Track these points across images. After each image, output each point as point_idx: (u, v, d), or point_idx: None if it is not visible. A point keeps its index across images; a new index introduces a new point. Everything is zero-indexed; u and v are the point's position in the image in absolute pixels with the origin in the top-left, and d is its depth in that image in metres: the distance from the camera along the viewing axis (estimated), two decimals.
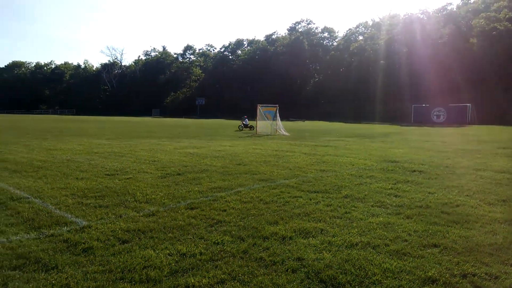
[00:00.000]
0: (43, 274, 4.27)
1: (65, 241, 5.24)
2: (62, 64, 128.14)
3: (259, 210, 6.84)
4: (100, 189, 8.32)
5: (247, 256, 4.84)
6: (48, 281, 4.14)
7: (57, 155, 13.77)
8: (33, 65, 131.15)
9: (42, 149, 15.49)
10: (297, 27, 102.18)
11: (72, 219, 6.19)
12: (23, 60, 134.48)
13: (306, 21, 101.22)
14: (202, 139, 21.88)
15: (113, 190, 8.19)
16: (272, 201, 7.48)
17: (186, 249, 4.98)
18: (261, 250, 5.02)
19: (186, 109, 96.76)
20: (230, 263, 4.62)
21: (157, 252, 4.91)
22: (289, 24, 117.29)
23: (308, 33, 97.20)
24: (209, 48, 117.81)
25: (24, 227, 5.80)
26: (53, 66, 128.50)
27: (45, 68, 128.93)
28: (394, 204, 7.37)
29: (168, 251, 4.93)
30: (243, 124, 33.92)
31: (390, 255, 4.92)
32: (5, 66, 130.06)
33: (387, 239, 5.47)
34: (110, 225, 5.93)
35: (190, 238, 5.41)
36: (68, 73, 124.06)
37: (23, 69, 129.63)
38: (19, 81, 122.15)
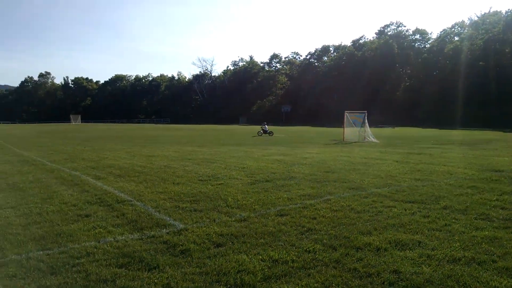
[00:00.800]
0: (146, 273, 4.57)
1: (165, 243, 5.56)
2: (158, 76, 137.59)
3: (350, 219, 6.66)
4: (195, 194, 8.72)
5: (340, 266, 4.73)
6: (151, 280, 4.41)
7: (155, 161, 14.75)
8: (132, 78, 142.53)
9: (142, 156, 16.70)
10: (386, 30, 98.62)
11: (171, 222, 6.55)
12: (124, 73, 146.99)
13: (396, 23, 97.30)
14: (288, 146, 21.98)
15: (207, 195, 8.54)
16: (364, 210, 7.24)
17: (278, 256, 5.01)
18: (355, 261, 4.86)
19: (272, 116, 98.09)
20: (323, 272, 4.54)
21: (250, 257, 5.00)
22: (377, 28, 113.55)
23: (398, 36, 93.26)
24: (294, 55, 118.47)
25: (128, 228, 6.27)
26: (150, 78, 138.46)
27: (143, 80, 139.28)
28: (501, 217, 6.71)
29: (260, 257, 5.00)
30: (262, 130, 35.34)
31: (499, 273, 4.48)
32: (109, 79, 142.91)
33: (495, 255, 5.00)
34: (205, 228, 6.17)
35: (281, 245, 5.43)
36: (163, 84, 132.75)
37: (124, 82, 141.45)
38: (121, 93, 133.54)
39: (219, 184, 9.91)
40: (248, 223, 6.43)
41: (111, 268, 4.71)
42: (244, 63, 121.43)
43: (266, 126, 36.07)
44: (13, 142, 26.14)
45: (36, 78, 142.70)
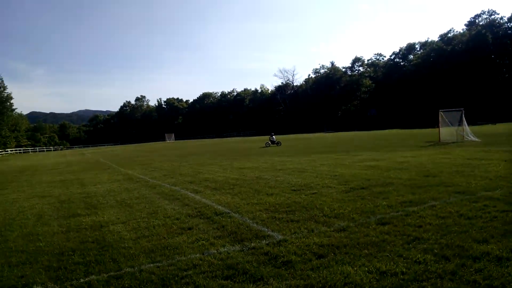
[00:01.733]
0: (251, 285, 4.59)
1: (265, 254, 5.57)
2: (242, 90, 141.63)
3: (461, 226, 6.12)
4: (289, 204, 8.68)
5: (457, 278, 4.33)
6: None
7: (247, 173, 15.04)
8: (218, 94, 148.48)
9: (234, 169, 17.15)
10: (477, 20, 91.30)
11: (269, 233, 6.57)
12: (210, 91, 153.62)
13: (488, 12, 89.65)
14: (380, 151, 21.11)
15: (301, 205, 8.45)
16: (476, 216, 6.62)
17: (385, 267, 4.74)
18: (473, 272, 4.43)
19: (358, 121, 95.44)
20: (439, 285, 4.20)
21: (355, 269, 4.79)
22: (466, 19, 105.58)
23: (492, 25, 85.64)
24: (378, 57, 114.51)
25: (229, 240, 6.40)
26: (234, 93, 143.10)
27: (229, 96, 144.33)
28: None
29: (366, 268, 4.77)
30: (270, 140, 36.28)
31: None
32: (197, 97, 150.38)
33: None
34: (304, 239, 6.08)
35: (387, 256, 5.14)
36: (247, 98, 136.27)
37: (211, 98, 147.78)
38: (208, 109, 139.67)
39: (313, 193, 9.77)
40: (348, 233, 6.21)
41: (218, 280, 4.81)
42: (326, 69, 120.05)
43: (274, 136, 37.46)
44: (118, 162, 28.44)
45: (133, 102, 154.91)
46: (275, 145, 35.31)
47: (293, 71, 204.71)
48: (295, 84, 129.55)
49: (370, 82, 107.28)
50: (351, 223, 6.78)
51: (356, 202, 8.35)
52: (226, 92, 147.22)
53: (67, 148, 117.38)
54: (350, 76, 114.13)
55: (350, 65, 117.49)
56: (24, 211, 10.36)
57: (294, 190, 10.38)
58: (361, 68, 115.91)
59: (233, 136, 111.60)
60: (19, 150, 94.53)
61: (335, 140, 39.89)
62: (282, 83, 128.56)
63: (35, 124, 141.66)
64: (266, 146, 34.72)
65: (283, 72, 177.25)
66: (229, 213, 8.27)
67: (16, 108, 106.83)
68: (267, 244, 5.98)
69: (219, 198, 10.06)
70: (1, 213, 10.38)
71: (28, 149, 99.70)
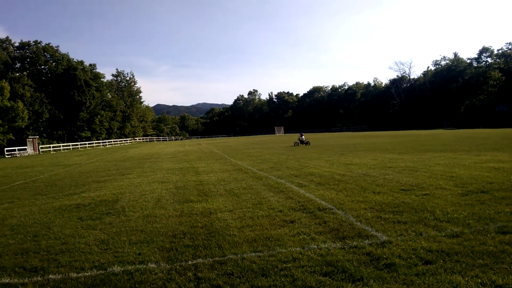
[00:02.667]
0: (350, 285, 4.49)
1: (367, 254, 5.39)
2: (354, 84, 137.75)
3: None
4: (397, 204, 8.26)
5: None
6: None
7: (354, 169, 14.66)
8: (329, 88, 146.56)
9: (340, 164, 16.85)
10: None
11: (373, 233, 6.34)
12: (321, 85, 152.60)
13: None
14: (508, 152, 18.89)
15: (411, 206, 7.99)
16: None
17: (502, 281, 4.27)
18: None
19: (484, 118, 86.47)
20: None
21: (466, 279, 4.40)
22: None
23: None
24: (510, 47, 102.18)
25: (330, 236, 6.33)
26: (346, 87, 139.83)
27: (339, 89, 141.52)
28: None
29: (479, 280, 4.35)
30: (299, 140, 36.62)
31: None
32: (307, 91, 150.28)
33: None
34: (410, 242, 5.75)
35: (505, 268, 4.62)
36: (359, 92, 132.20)
37: (321, 92, 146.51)
38: (318, 103, 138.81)
39: (424, 194, 9.15)
40: (462, 240, 5.71)
41: (316, 275, 4.80)
42: (447, 61, 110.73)
43: (303, 136, 38.04)
44: (230, 153, 29.87)
45: (246, 95, 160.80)
46: (304, 144, 35.58)
47: (410, 64, 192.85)
48: (411, 77, 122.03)
49: (500, 74, 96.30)
50: (466, 229, 6.22)
51: (474, 207, 7.62)
52: (337, 85, 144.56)
53: (186, 138, 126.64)
54: (476, 68, 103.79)
55: (476, 56, 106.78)
56: (146, 195, 11.47)
57: (404, 190, 9.84)
58: (489, 59, 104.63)
59: (342, 131, 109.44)
60: (145, 138, 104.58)
61: (455, 137, 36.72)
62: (397, 76, 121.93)
63: (160, 116, 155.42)
64: (295, 146, 35.03)
65: (398, 65, 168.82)
66: (332, 209, 8.17)
67: (144, 101, 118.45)
68: (370, 244, 5.78)
69: (323, 193, 9.99)
70: (127, 195, 11.63)
71: (153, 138, 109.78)
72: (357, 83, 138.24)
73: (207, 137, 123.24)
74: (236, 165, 19.18)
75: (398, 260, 5.09)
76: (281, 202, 9.20)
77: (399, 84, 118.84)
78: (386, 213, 7.54)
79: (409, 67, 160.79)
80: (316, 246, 5.86)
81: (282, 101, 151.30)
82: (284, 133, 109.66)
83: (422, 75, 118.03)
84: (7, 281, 5.15)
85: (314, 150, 27.46)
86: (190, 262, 5.48)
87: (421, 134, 52.09)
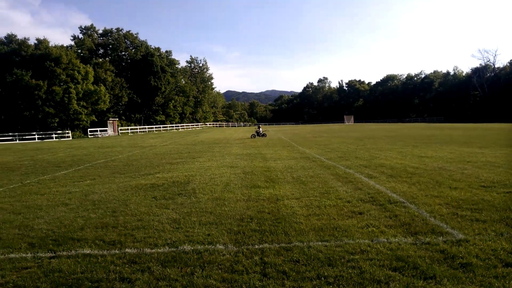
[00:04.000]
0: (421, 282, 4.29)
1: (441, 252, 5.12)
2: (431, 73, 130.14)
3: None
4: (476, 201, 7.74)
5: None
6: None
7: (428, 162, 13.95)
8: (404, 76, 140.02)
9: (414, 156, 16.11)
10: None
11: (448, 230, 6.00)
12: (395, 73, 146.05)
13: None
14: None
15: (491, 204, 7.44)
16: None
17: None
18: None
19: None
20: None
21: None
22: None
23: None
24: None
25: (401, 231, 6.09)
26: (422, 75, 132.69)
27: (415, 78, 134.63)
28: None
29: None
30: (256, 132, 35.17)
31: None
32: (380, 80, 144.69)
33: None
34: (490, 242, 5.37)
35: None
36: (436, 81, 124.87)
37: (395, 81, 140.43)
38: (392, 92, 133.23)
39: (507, 192, 8.48)
40: None
41: (385, 269, 4.65)
42: None
43: (261, 128, 36.79)
44: (297, 141, 29.77)
45: (315, 83, 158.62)
46: (260, 136, 34.45)
47: (495, 51, 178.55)
48: (496, 66, 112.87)
49: None
50: None
51: None
52: (413, 74, 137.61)
53: (254, 124, 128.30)
54: None
55: None
56: (215, 178, 11.79)
57: (484, 187, 9.19)
58: None
59: (417, 122, 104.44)
60: (215, 124, 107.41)
61: None
62: (480, 64, 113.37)
63: (230, 102, 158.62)
64: (252, 138, 33.79)
65: (482, 52, 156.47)
66: (404, 202, 7.85)
67: (215, 87, 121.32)
68: (444, 242, 5.48)
69: (394, 186, 9.62)
70: (198, 177, 12.04)
71: (223, 124, 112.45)
72: (435, 72, 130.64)
73: (275, 124, 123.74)
74: (303, 153, 19.08)
75: (475, 260, 4.78)
76: (349, 193, 9.01)
77: (482, 73, 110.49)
78: (463, 210, 7.10)
79: (494, 55, 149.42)
80: (385, 240, 5.68)
81: (353, 89, 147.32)
82: (354, 122, 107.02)
83: (508, 64, 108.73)
84: (88, 252, 5.56)
85: (385, 141, 26.50)
86: (256, 246, 5.56)
87: (505, 128, 48.21)
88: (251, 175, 12.28)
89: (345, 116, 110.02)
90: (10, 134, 49.30)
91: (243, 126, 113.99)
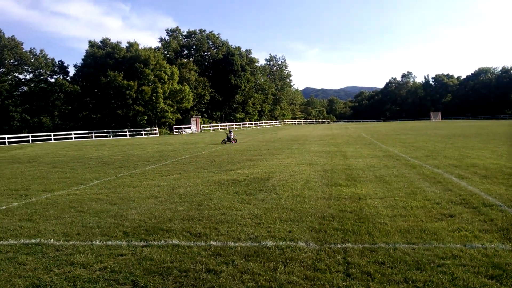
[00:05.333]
0: None
1: None
2: None
3: None
4: None
5: None
6: None
7: None
8: (498, 69, 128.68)
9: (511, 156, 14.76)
10: None
11: None
12: (488, 66, 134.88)
13: None
14: None
15: None
16: None
17: None
18: None
19: None
20: None
21: None
22: None
23: None
24: None
25: (498, 236, 5.62)
26: None
27: None
28: None
29: None
30: (227, 137, 30.16)
31: None
32: (471, 73, 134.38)
33: None
34: None
35: None
36: None
37: (488, 74, 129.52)
38: (484, 87, 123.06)
39: None
40: None
41: (480, 277, 4.33)
42: None
43: (232, 133, 30.96)
44: (379, 138, 28.73)
45: (399, 78, 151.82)
46: (231, 142, 29.73)
47: None
48: None
49: None
50: None
51: None
52: (509, 66, 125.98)
53: (333, 122, 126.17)
54: None
55: None
56: (295, 175, 11.79)
57: None
58: None
59: None
60: (293, 121, 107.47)
61: None
62: None
63: (308, 99, 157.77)
64: (223, 143, 29.24)
65: None
66: (501, 206, 7.23)
67: (293, 84, 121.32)
68: None
69: (489, 188, 8.89)
70: (277, 174, 12.13)
71: (301, 121, 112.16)
72: None
73: (355, 121, 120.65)
74: (386, 151, 18.37)
75: None
76: (438, 194, 8.50)
77: None
78: None
79: None
80: (480, 245, 5.27)
81: (440, 84, 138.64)
82: (441, 119, 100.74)
83: None
84: (176, 242, 5.86)
85: (477, 139, 24.59)
86: (339, 246, 5.47)
87: None
88: (331, 173, 12.09)
89: (431, 113, 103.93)
90: (105, 131, 53.53)
91: (322, 123, 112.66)
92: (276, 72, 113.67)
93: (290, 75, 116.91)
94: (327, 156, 16.93)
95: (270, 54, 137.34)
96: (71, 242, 6.03)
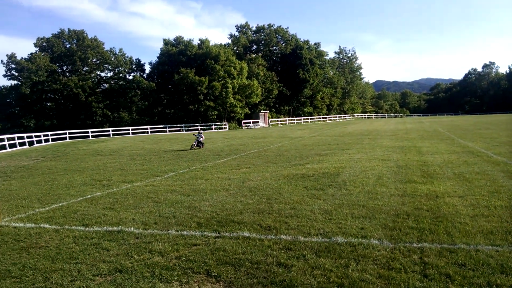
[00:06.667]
0: None
1: None
2: None
3: None
4: None
5: None
6: None
7: None
8: None
9: None
10: None
11: None
12: None
13: None
14: None
15: None
16: None
17: None
18: None
19: None
20: None
21: None
22: None
23: None
24: None
25: None
26: None
27: None
28: None
29: None
30: (197, 140, 22.74)
31: None
32: None
33: None
34: None
35: None
36: None
37: None
38: None
39: None
40: None
41: None
42: None
43: (202, 134, 23.11)
44: (457, 133, 27.04)
45: (479, 69, 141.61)
46: (199, 147, 22.53)
47: None
48: None
49: None
50: None
51: None
52: None
53: (406, 116, 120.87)
54: None
55: None
56: (366, 171, 11.48)
57: None
58: None
59: None
60: (363, 115, 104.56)
61: None
62: None
63: (379, 92, 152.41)
64: (191, 149, 22.11)
65: None
66: None
67: (364, 77, 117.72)
68: None
69: None
70: (347, 169, 11.88)
71: (371, 115, 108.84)
72: None
73: (430, 115, 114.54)
74: (465, 147, 17.25)
75: None
76: None
77: None
78: None
79: None
80: None
81: None
82: None
83: None
84: (247, 234, 5.97)
85: None
86: (415, 245, 5.24)
87: None
88: (405, 169, 11.61)
89: None
90: (178, 125, 55.78)
91: (394, 117, 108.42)
92: (346, 65, 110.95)
93: (360, 68, 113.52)
94: (401, 152, 16.27)
95: (339, 46, 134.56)
96: (149, 231, 6.37)
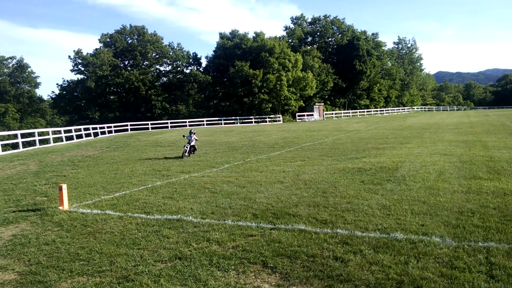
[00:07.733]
0: None
1: None
2: None
3: None
4: None
5: None
6: None
7: None
8: None
9: None
10: None
11: None
12: None
13: None
14: None
15: None
16: None
17: None
18: None
19: None
20: None
21: None
22: None
23: None
24: None
25: None
26: None
27: None
28: None
29: None
30: (189, 143, 16.52)
31: None
32: None
33: None
34: None
35: None
36: None
37: None
38: None
39: None
40: None
41: None
42: None
43: (193, 136, 16.69)
44: None
45: None
46: (188, 155, 16.31)
47: None
48: None
49: None
50: None
51: None
52: None
53: (470, 108, 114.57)
54: None
55: None
56: (427, 166, 11.04)
57: None
58: None
59: None
60: (423, 108, 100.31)
61: None
62: None
63: (441, 84, 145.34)
64: (182, 157, 15.96)
65: None
66: None
67: (424, 68, 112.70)
68: None
69: None
70: (407, 164, 11.48)
71: (432, 108, 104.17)
72: None
73: (497, 108, 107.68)
74: None
75: None
76: None
77: None
78: None
79: None
80: None
81: None
82: None
83: None
84: (303, 227, 5.95)
85: None
86: (480, 244, 4.98)
87: None
88: (470, 164, 11.03)
89: None
90: (233, 118, 56.55)
91: (457, 110, 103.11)
92: (405, 55, 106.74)
93: (421, 58, 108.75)
94: (464, 146, 15.47)
95: (398, 36, 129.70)
96: (206, 220, 6.54)
